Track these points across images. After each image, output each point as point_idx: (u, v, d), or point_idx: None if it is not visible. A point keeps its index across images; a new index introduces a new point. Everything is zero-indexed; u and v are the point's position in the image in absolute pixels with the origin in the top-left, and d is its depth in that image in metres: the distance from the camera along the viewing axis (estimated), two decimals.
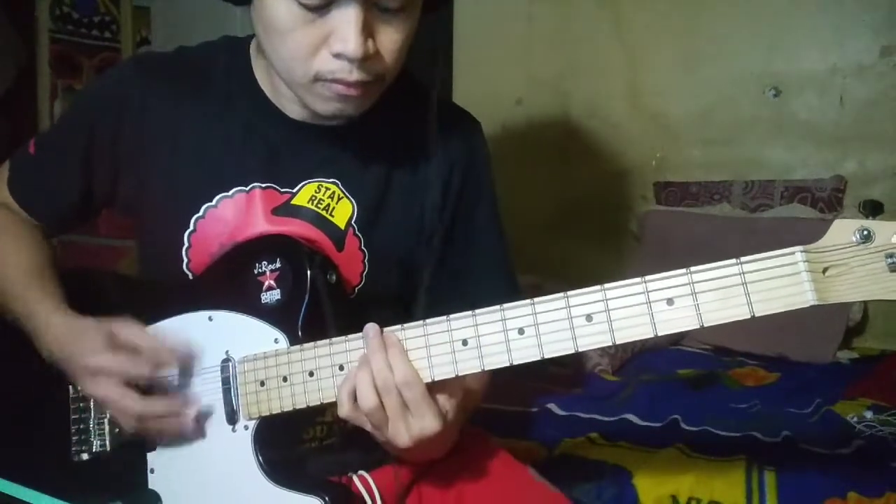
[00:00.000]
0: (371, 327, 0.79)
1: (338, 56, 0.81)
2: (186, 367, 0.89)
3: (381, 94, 0.92)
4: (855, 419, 1.49)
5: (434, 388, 0.78)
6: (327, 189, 0.96)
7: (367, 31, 0.80)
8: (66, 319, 0.89)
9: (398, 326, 0.79)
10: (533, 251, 2.35)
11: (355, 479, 0.95)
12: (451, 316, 0.77)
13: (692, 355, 2.03)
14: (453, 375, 0.77)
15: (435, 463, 0.98)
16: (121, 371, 0.84)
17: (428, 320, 0.78)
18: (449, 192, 1.02)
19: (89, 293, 1.00)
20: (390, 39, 0.84)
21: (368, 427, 0.80)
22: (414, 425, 0.78)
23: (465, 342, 0.76)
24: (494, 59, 2.67)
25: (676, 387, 1.75)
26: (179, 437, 0.88)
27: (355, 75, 0.82)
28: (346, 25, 0.79)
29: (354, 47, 0.79)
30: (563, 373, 1.83)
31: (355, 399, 0.78)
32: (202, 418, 0.88)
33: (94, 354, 0.85)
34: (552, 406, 1.61)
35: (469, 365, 0.76)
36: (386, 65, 0.85)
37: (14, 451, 0.95)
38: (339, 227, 0.96)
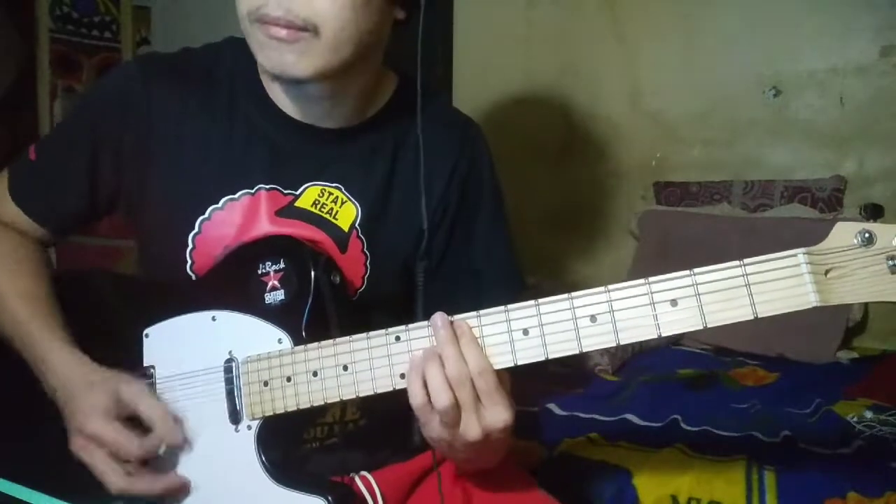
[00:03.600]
0: (439, 316, 0.76)
1: None
2: (182, 441, 0.88)
3: (380, 97, 0.92)
4: (855, 419, 1.49)
5: None
6: (330, 193, 0.96)
7: None
8: (71, 360, 0.88)
9: (403, 327, 0.79)
10: (532, 251, 2.35)
11: (357, 479, 0.95)
12: (456, 316, 0.77)
13: (692, 355, 2.03)
14: None
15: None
16: (114, 446, 0.83)
17: None
18: (450, 195, 1.03)
19: (91, 293, 1.00)
20: None
21: (435, 423, 0.76)
22: (487, 416, 0.75)
23: None
24: (494, 60, 2.67)
25: (676, 387, 1.75)
26: None
27: (278, 10, 0.82)
28: None
29: None
30: (564, 373, 1.83)
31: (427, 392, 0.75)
32: (205, 419, 0.88)
33: (94, 419, 0.84)
34: (552, 406, 1.62)
35: None
36: (314, 10, 0.83)
37: (14, 451, 0.95)
38: (343, 230, 0.96)
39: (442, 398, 0.74)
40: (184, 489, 0.88)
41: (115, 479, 0.83)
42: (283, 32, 0.83)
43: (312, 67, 0.86)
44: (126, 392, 0.86)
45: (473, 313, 0.76)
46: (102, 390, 0.85)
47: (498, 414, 0.76)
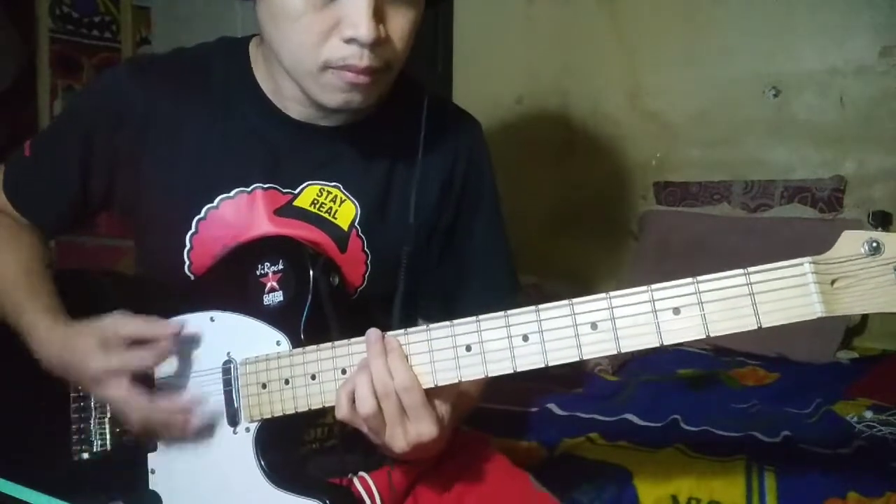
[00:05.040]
0: (373, 332, 0.78)
1: (349, 41, 0.81)
2: (185, 352, 0.89)
3: (382, 95, 0.92)
4: (855, 419, 1.49)
5: (430, 392, 0.78)
6: (329, 192, 0.96)
7: (378, 16, 0.81)
8: (57, 326, 0.88)
9: (402, 331, 0.79)
10: (532, 251, 2.35)
11: (355, 480, 0.95)
12: (455, 321, 0.76)
13: (692, 355, 2.03)
14: (457, 381, 0.76)
15: (433, 466, 0.98)
16: (120, 367, 0.84)
17: (432, 325, 0.77)
18: (450, 192, 1.03)
19: (89, 293, 1.00)
20: (399, 25, 0.85)
21: (365, 430, 0.80)
22: (411, 431, 0.77)
23: (468, 348, 0.76)
24: (494, 59, 2.67)
25: (676, 387, 1.76)
26: (184, 438, 0.88)
27: (366, 61, 0.82)
28: (357, 10, 0.80)
29: (366, 31, 0.80)
30: (564, 373, 1.83)
31: (353, 402, 0.78)
32: (204, 419, 0.88)
33: (91, 359, 0.84)
34: (552, 406, 1.62)
35: (472, 371, 0.76)
36: (395, 51, 0.85)
37: (14, 451, 0.95)
38: (342, 229, 0.96)
39: (365, 406, 0.76)
40: (194, 408, 0.87)
41: (139, 401, 0.84)
42: (365, 79, 0.84)
43: (373, 98, 0.89)
44: (107, 327, 0.85)
45: (472, 318, 0.76)
46: (86, 333, 0.85)
47: (422, 428, 0.78)
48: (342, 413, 0.79)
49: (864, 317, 2.11)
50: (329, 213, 0.96)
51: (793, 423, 1.48)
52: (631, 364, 1.96)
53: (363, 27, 0.79)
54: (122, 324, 0.85)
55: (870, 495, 1.19)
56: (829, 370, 1.88)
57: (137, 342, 0.85)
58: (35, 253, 0.99)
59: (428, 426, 0.77)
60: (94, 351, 0.84)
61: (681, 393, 1.71)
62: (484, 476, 0.99)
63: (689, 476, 1.27)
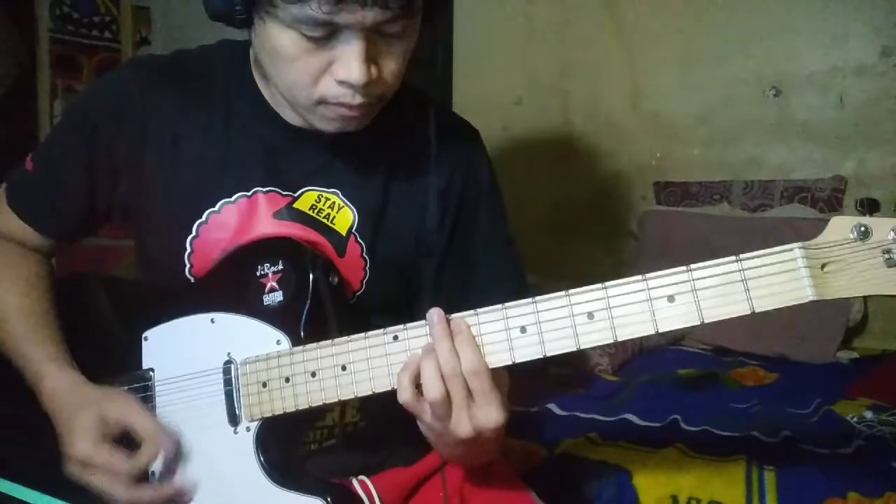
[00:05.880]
0: (435, 312, 0.76)
1: (342, 83, 0.82)
2: (176, 451, 0.89)
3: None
4: (855, 419, 1.49)
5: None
6: (327, 199, 0.96)
7: (370, 59, 0.81)
8: (63, 383, 0.89)
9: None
10: (532, 251, 2.34)
11: (355, 483, 0.95)
12: (454, 315, 0.77)
13: (692, 355, 2.03)
14: None
15: (436, 475, 0.98)
16: (104, 468, 0.84)
17: None
18: (449, 199, 1.02)
19: (91, 297, 1.00)
20: (392, 64, 0.85)
21: (427, 417, 0.77)
22: (479, 415, 0.76)
23: None
24: (494, 59, 2.67)
25: (676, 387, 1.75)
26: None
27: (358, 99, 0.83)
28: (349, 55, 0.80)
29: (358, 76, 0.80)
30: (564, 373, 1.83)
31: (416, 386, 0.76)
32: (204, 421, 0.88)
33: (83, 444, 0.84)
34: (552, 406, 1.62)
35: None
36: (387, 86, 0.86)
37: (14, 451, 0.95)
38: (341, 234, 0.96)
39: (433, 391, 0.75)
40: (189, 492, 0.88)
41: (119, 491, 0.84)
42: (358, 113, 0.85)
43: (366, 123, 0.90)
44: (112, 411, 0.86)
45: (471, 311, 0.76)
46: (88, 412, 0.85)
47: (490, 414, 0.76)
48: (405, 397, 0.76)
49: (864, 317, 2.12)
50: (327, 219, 0.96)
51: (793, 423, 1.48)
52: (631, 364, 1.96)
53: (355, 72, 0.80)
54: (126, 413, 0.86)
55: (870, 495, 1.19)
56: (829, 370, 1.88)
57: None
58: (40, 289, 0.98)
59: (495, 411, 0.76)
60: (87, 434, 0.84)
61: (681, 393, 1.71)
62: (487, 485, 0.98)
63: (689, 476, 1.27)
